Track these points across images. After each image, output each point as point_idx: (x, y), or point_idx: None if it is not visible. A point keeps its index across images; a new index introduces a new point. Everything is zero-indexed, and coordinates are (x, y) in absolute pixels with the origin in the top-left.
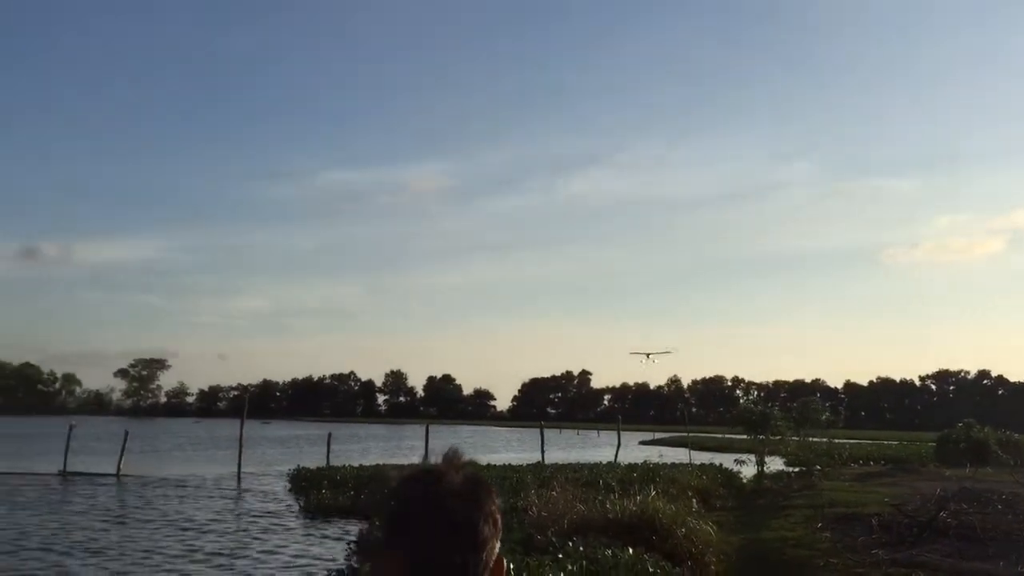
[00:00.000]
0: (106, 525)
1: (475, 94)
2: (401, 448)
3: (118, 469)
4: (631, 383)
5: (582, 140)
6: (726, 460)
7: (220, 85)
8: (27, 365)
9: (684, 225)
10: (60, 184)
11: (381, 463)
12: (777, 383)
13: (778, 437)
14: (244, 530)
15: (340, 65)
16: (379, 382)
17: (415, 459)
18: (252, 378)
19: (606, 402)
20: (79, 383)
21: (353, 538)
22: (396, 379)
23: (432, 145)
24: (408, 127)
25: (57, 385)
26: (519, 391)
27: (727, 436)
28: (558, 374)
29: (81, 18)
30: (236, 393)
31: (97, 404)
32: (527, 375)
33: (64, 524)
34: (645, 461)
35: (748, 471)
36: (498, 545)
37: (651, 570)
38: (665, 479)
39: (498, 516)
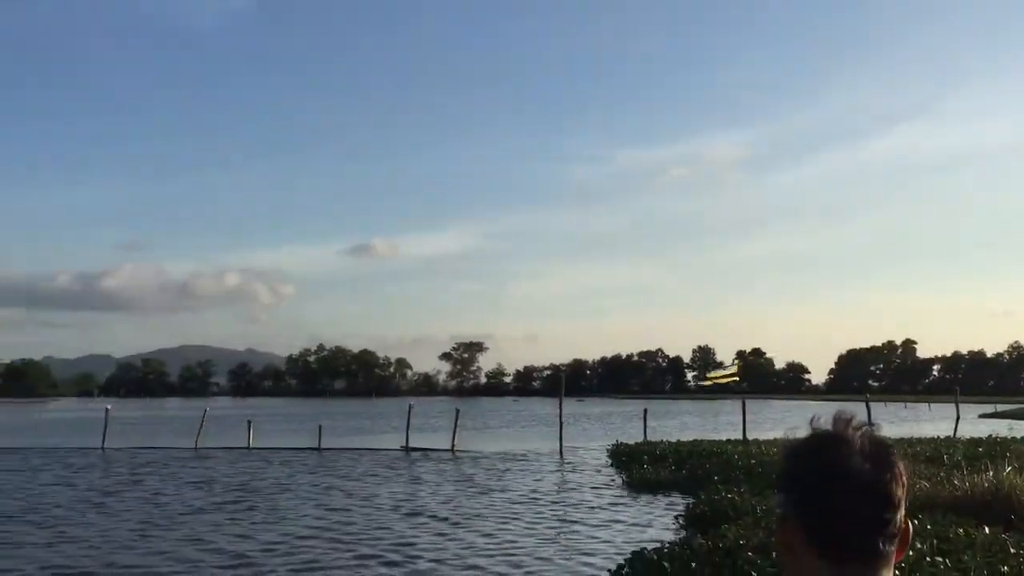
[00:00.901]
0: (458, 495)
1: (771, 60)
2: (719, 424)
3: (452, 445)
4: (963, 351)
5: (890, 99)
6: None
7: (516, 77)
8: (365, 351)
9: (1016, 175)
10: (387, 185)
11: (700, 438)
12: None
13: None
14: (576, 502)
15: (628, 45)
16: (687, 358)
17: (734, 435)
18: (562, 358)
19: (935, 372)
20: (410, 366)
21: (680, 511)
22: (704, 355)
23: (725, 116)
24: (700, 100)
25: (391, 369)
26: (835, 363)
27: None
28: (878, 344)
29: (386, 29)
30: (549, 373)
31: (426, 385)
32: (843, 346)
33: (421, 494)
34: (991, 435)
35: None
36: (906, 506)
37: (1012, 551)
38: (1017, 454)
39: (905, 476)
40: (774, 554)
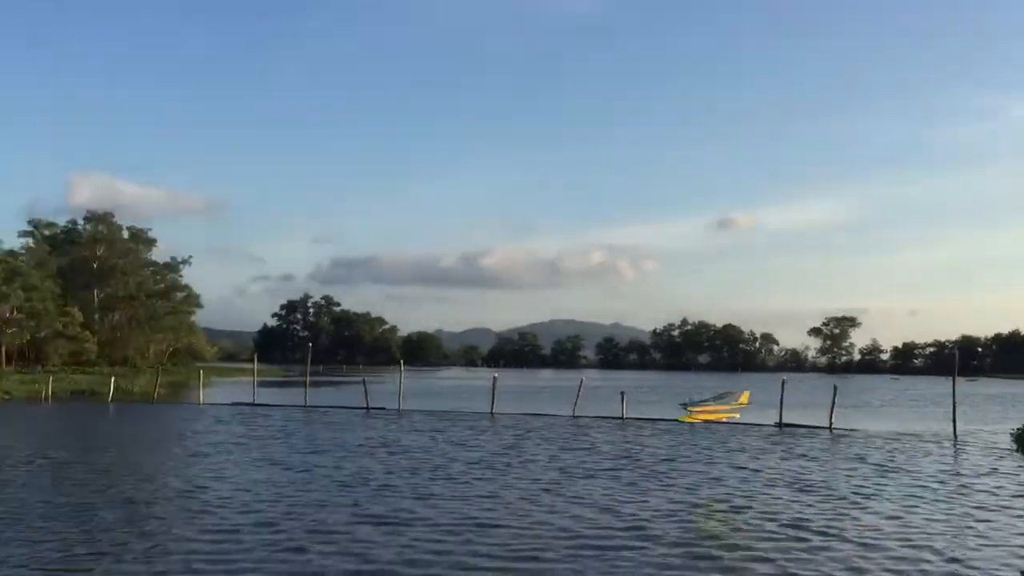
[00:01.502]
0: (847, 474)
1: None
2: None
3: (830, 423)
4: None
5: None
6: None
7: (885, 32)
8: (729, 326)
9: None
10: (750, 158)
11: None
12: None
13: None
14: (982, 488)
15: None
16: None
17: None
18: (948, 333)
19: None
20: (776, 342)
21: None
22: None
23: None
24: None
25: (757, 344)
26: None
27: None
28: None
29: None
30: (932, 349)
31: (794, 361)
32: None
33: (807, 470)
34: None
35: None
36: None
37: None
38: None
39: None
40: None
